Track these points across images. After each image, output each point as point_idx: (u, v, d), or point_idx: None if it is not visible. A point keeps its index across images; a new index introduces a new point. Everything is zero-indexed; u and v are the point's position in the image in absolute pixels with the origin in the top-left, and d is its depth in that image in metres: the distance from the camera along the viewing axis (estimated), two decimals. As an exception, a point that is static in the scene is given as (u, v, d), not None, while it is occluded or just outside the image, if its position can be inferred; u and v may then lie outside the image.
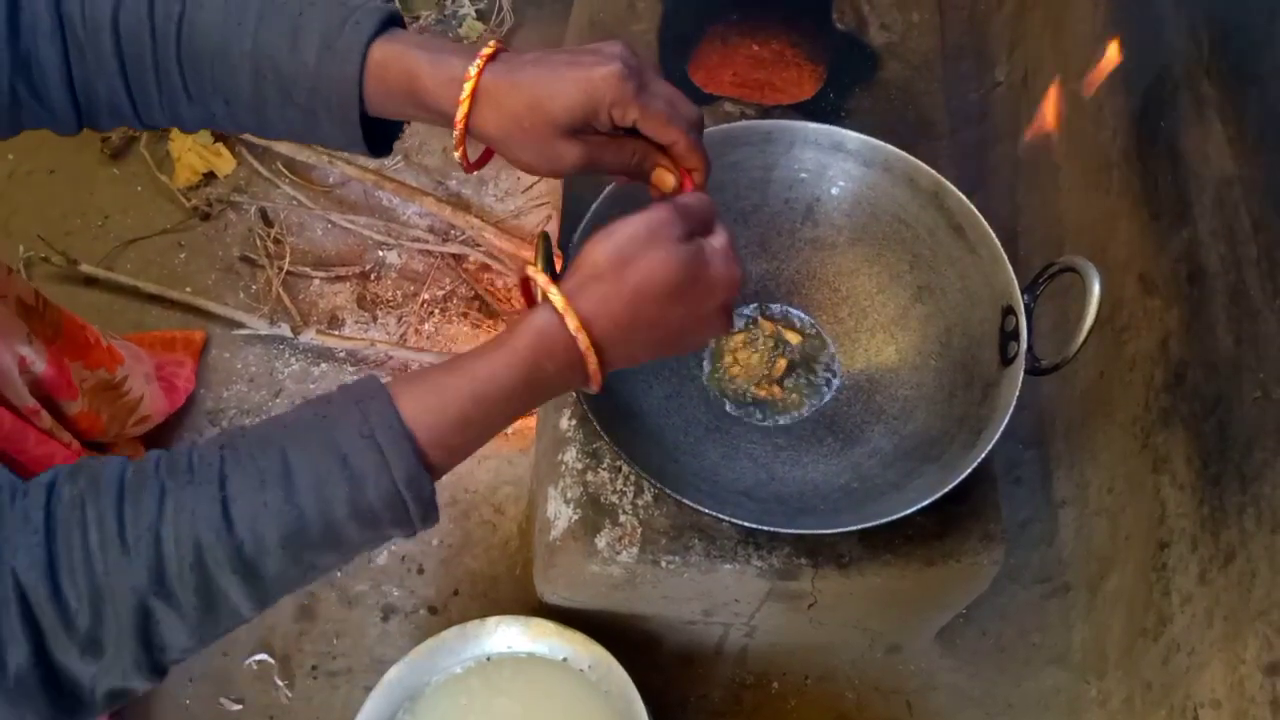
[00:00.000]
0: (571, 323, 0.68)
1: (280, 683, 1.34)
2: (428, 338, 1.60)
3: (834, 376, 1.11)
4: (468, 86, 0.73)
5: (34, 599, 0.58)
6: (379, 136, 0.80)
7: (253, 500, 0.62)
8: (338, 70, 0.73)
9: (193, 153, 1.71)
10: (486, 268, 1.64)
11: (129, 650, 0.61)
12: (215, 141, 1.73)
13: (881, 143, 1.06)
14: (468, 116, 0.74)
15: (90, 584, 0.59)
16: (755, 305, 1.14)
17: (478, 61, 0.73)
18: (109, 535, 0.59)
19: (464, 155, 0.79)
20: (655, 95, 0.75)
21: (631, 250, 0.70)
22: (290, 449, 0.63)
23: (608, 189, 1.03)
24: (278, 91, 0.75)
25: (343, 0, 0.75)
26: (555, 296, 0.69)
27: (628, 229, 0.71)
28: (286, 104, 0.75)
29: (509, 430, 1.51)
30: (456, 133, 0.75)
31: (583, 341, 0.69)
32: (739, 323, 1.13)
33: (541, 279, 0.70)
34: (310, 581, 0.68)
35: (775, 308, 1.14)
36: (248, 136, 1.69)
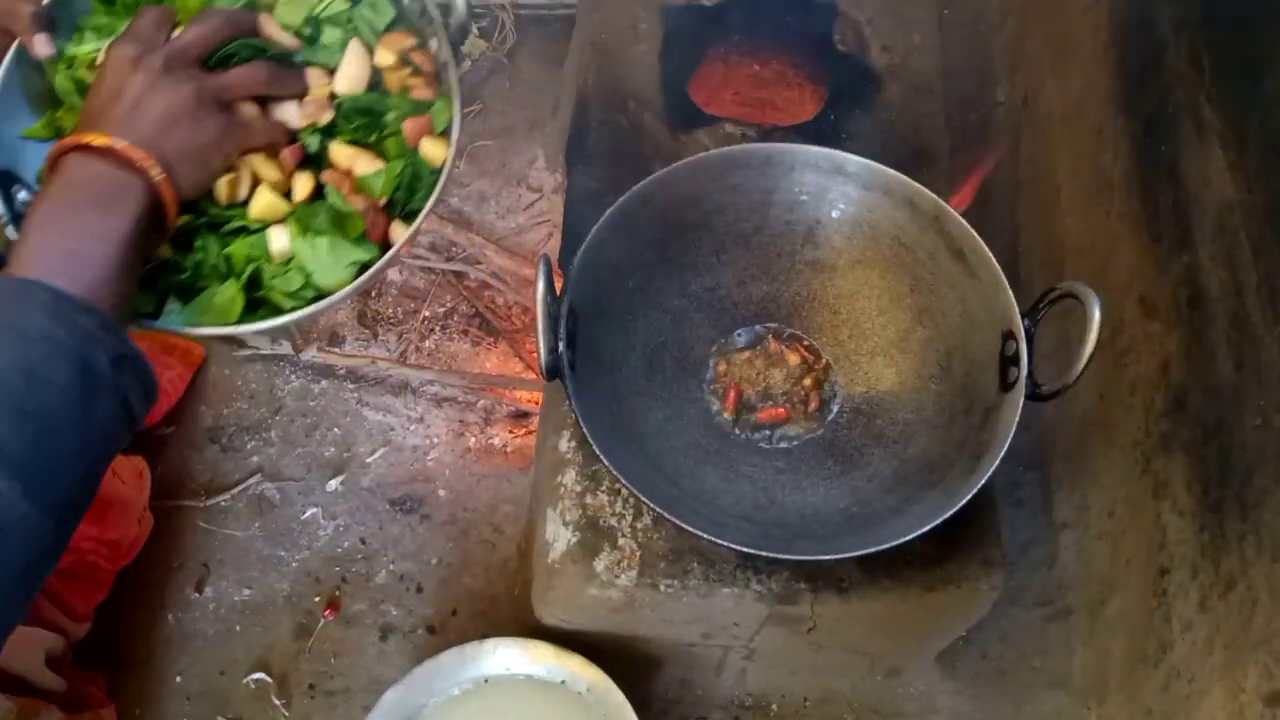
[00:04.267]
0: (99, 140, 0.76)
1: (278, 702, 1.34)
2: (428, 355, 1.60)
3: (834, 399, 1.10)
4: None
5: None
6: None
7: None
8: None
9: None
10: (487, 285, 1.64)
11: None
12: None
13: (882, 166, 1.06)
14: None
15: None
16: (766, 325, 1.13)
17: None
18: None
19: None
20: None
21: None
22: None
23: (610, 210, 1.03)
24: None
25: None
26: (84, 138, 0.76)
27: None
28: None
29: (507, 449, 1.51)
30: None
31: (134, 155, 0.76)
32: (743, 337, 1.12)
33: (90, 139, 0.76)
34: (75, 443, 0.71)
35: (774, 326, 1.14)
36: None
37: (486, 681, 1.22)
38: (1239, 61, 1.03)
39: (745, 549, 0.90)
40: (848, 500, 1.02)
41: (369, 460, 1.51)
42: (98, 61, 0.86)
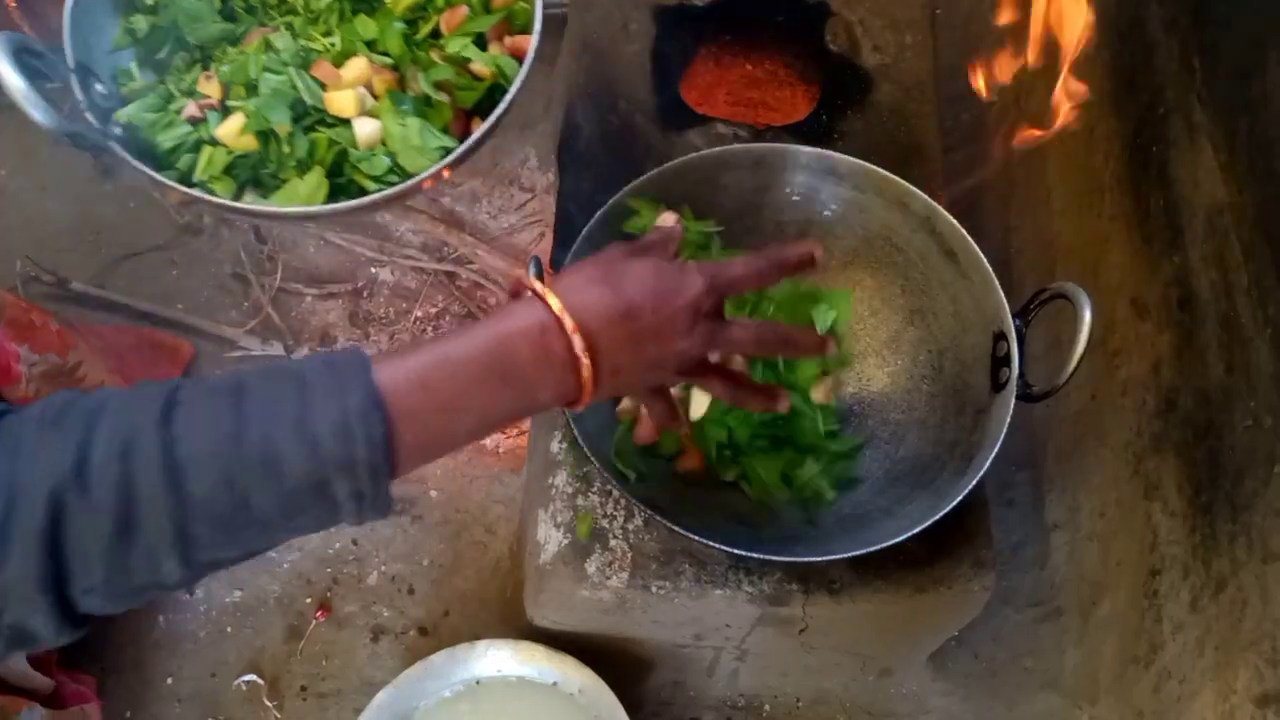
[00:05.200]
0: (555, 303, 0.69)
1: (269, 704, 1.34)
2: (420, 356, 1.60)
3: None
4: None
5: None
6: None
7: (197, 404, 0.59)
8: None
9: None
10: (479, 285, 1.64)
11: (34, 556, 0.56)
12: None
13: (873, 167, 1.06)
14: None
15: (9, 469, 0.56)
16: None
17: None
18: (46, 422, 0.58)
19: None
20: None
21: (620, 259, 0.74)
22: (251, 373, 0.62)
23: (601, 210, 1.03)
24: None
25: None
26: (546, 293, 0.70)
27: (618, 247, 0.77)
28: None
29: (499, 449, 1.51)
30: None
31: (579, 345, 0.69)
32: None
33: (538, 284, 0.71)
34: (237, 546, 0.62)
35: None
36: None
37: (478, 683, 1.22)
38: (1230, 63, 1.03)
39: (737, 550, 0.90)
40: (839, 501, 1.02)
41: (361, 461, 1.50)
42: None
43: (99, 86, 0.86)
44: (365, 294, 1.64)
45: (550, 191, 1.68)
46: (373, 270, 1.66)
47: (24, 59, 0.75)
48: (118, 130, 0.86)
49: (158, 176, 0.86)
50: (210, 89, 0.94)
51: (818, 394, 1.03)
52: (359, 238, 1.66)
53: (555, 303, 0.69)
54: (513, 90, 1.01)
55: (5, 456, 0.56)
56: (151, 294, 1.62)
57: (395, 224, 1.70)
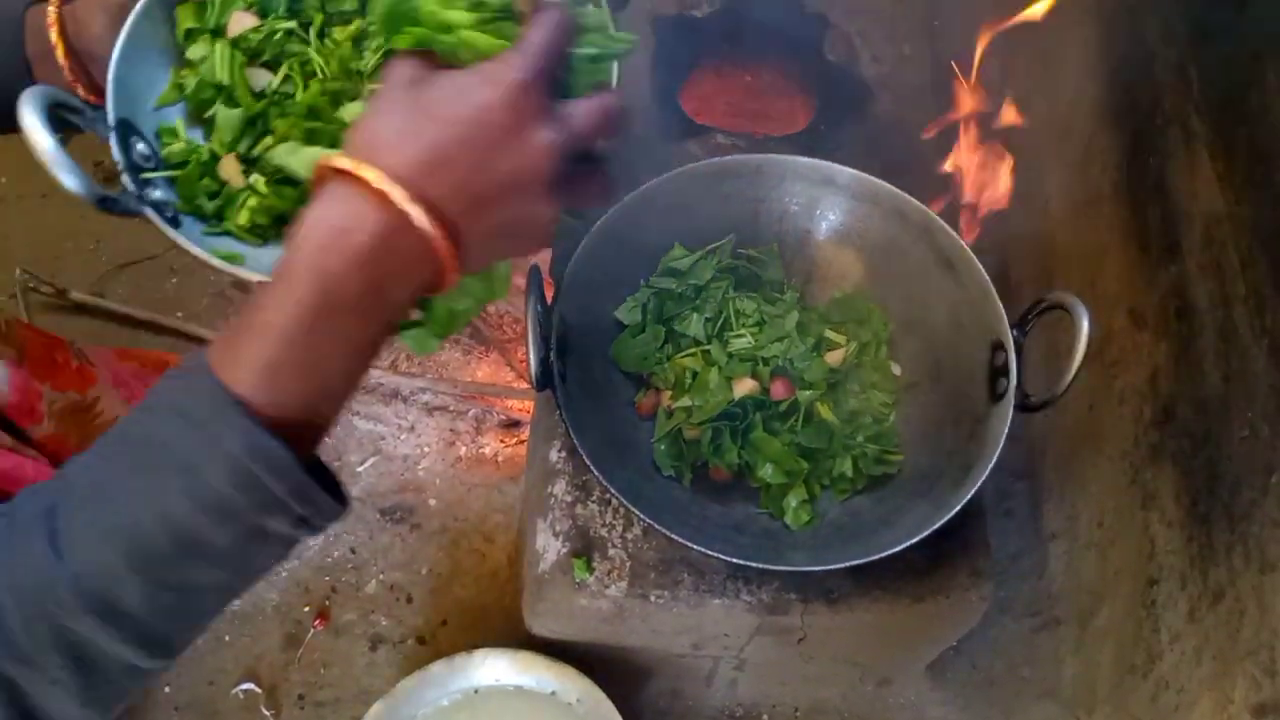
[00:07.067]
0: (372, 175, 0.54)
1: (267, 712, 1.33)
2: (419, 363, 1.60)
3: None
4: None
5: None
6: None
7: (79, 523, 0.53)
8: None
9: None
10: (478, 294, 1.64)
11: None
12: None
13: (871, 177, 1.07)
14: None
15: None
16: None
17: None
18: None
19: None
20: None
21: (409, 86, 0.58)
22: (112, 455, 0.55)
23: (600, 220, 1.03)
24: None
25: None
26: (359, 168, 0.54)
27: (402, 69, 0.60)
28: None
29: (498, 458, 1.51)
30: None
31: (419, 218, 0.54)
32: None
33: (344, 161, 0.55)
34: (213, 604, 0.58)
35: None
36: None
37: (476, 692, 1.22)
38: (1227, 74, 1.03)
39: (735, 560, 0.90)
40: (837, 511, 1.02)
41: (359, 469, 1.50)
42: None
43: (140, 146, 0.82)
44: (364, 302, 1.64)
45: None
46: (372, 279, 1.66)
47: (60, 114, 0.71)
48: (156, 194, 0.82)
49: (197, 251, 0.77)
50: (230, 171, 0.86)
51: (833, 358, 1.05)
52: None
53: (372, 173, 0.54)
54: None
55: None
56: (150, 302, 1.63)
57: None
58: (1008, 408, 0.94)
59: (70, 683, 0.54)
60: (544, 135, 0.57)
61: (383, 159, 0.54)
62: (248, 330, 0.55)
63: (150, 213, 0.78)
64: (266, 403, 0.54)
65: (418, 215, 0.54)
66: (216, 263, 0.78)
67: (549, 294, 0.99)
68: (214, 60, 0.83)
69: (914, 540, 0.90)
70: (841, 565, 0.92)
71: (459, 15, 0.60)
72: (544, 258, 1.33)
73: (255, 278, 0.78)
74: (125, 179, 0.78)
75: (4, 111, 0.71)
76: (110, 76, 0.79)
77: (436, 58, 0.60)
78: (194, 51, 0.85)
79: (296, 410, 0.55)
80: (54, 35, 0.76)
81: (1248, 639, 0.92)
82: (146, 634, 0.55)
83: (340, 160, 0.55)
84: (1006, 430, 0.93)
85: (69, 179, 0.69)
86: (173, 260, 1.67)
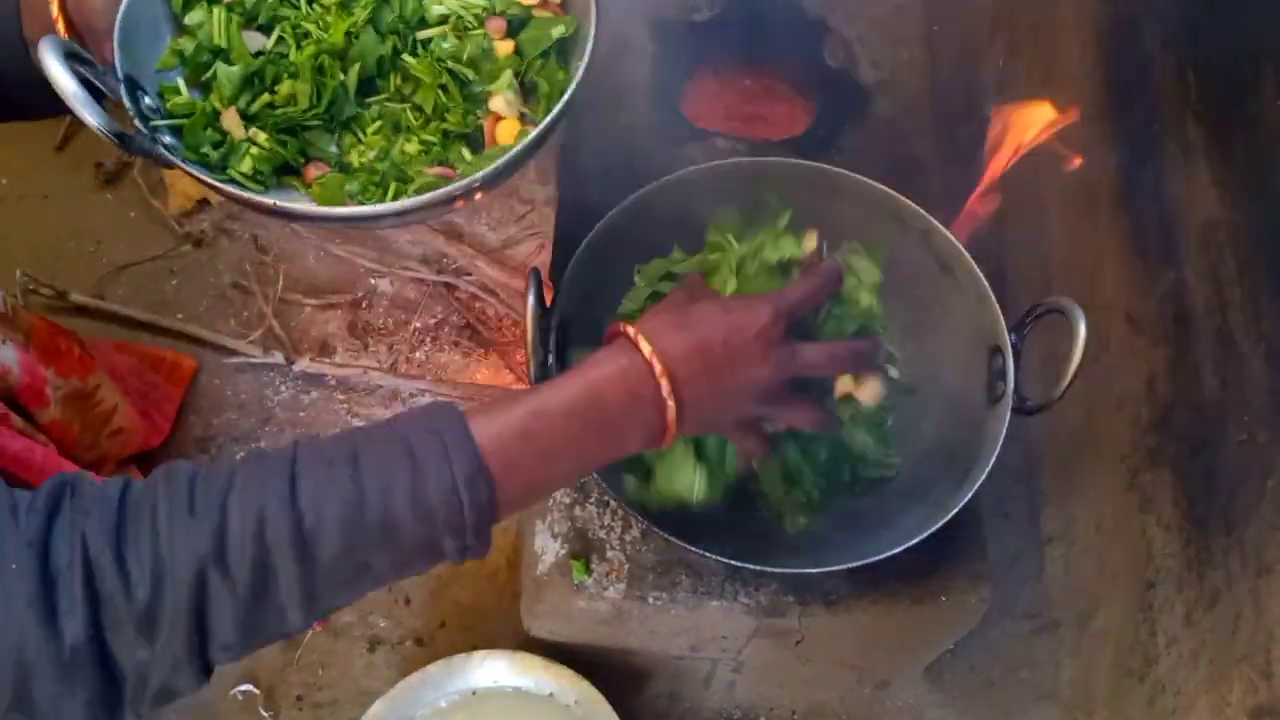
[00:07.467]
0: (647, 348, 0.74)
1: (265, 714, 1.34)
2: (419, 366, 1.60)
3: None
4: None
5: (98, 565, 0.59)
6: None
7: (318, 477, 0.64)
8: None
9: (187, 179, 1.70)
10: (478, 297, 1.64)
11: (181, 631, 0.61)
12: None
13: (871, 181, 1.07)
14: None
15: (154, 554, 0.60)
16: None
17: None
18: (178, 504, 0.62)
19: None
20: None
21: (688, 300, 0.81)
22: (360, 440, 0.67)
23: (600, 223, 1.03)
24: None
25: None
26: (639, 337, 0.75)
27: (684, 290, 0.84)
28: None
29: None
30: None
31: (665, 387, 0.73)
32: None
33: (630, 329, 0.76)
34: (363, 589, 0.68)
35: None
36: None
37: (474, 694, 1.22)
38: (1224, 79, 1.04)
39: (733, 562, 0.91)
40: (835, 513, 1.02)
41: (358, 471, 1.50)
42: None
43: (147, 100, 0.86)
44: (364, 305, 1.65)
45: (550, 204, 1.69)
46: (372, 281, 1.67)
47: (72, 65, 0.75)
48: (166, 138, 0.86)
49: (211, 180, 0.84)
50: (232, 123, 0.91)
51: (864, 394, 1.03)
52: (358, 249, 1.67)
53: (647, 347, 0.74)
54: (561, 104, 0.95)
55: (146, 539, 0.61)
56: (150, 303, 1.63)
57: (394, 235, 1.70)
58: (1005, 411, 0.94)
59: (245, 601, 0.62)
60: (772, 359, 0.78)
61: (657, 341, 0.75)
62: (515, 401, 0.71)
63: (164, 151, 0.83)
64: (499, 457, 0.67)
65: (665, 386, 0.74)
66: (230, 190, 0.85)
67: (548, 296, 0.99)
68: (211, 24, 0.89)
69: (912, 543, 0.90)
70: (839, 567, 0.93)
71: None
72: (544, 260, 1.33)
73: (276, 204, 0.84)
74: (138, 124, 0.83)
75: (3, 96, 0.77)
76: (115, 37, 0.83)
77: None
78: (192, 18, 0.90)
79: (514, 481, 0.68)
80: (55, 8, 0.79)
81: (1244, 642, 0.92)
82: (316, 588, 0.64)
83: (631, 329, 0.76)
84: (1004, 434, 0.93)
85: (91, 116, 0.75)
86: (173, 262, 1.67)
